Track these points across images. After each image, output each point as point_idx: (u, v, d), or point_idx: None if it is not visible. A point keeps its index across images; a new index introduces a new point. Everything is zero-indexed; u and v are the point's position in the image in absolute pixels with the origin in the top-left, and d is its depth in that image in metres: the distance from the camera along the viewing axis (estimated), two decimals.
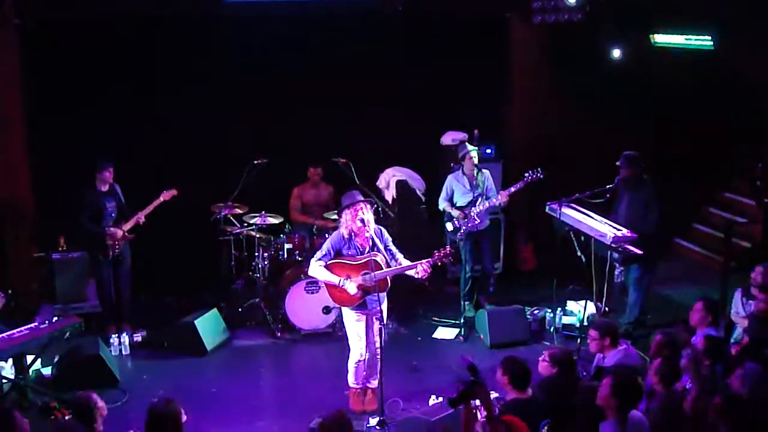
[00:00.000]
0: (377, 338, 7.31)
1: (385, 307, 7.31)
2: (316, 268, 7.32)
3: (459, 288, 9.70)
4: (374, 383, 7.60)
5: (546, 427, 5.61)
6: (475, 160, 9.44)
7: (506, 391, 6.09)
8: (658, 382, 6.00)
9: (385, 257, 7.23)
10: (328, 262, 7.31)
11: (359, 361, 7.53)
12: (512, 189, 9.13)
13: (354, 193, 7.45)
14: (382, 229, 7.44)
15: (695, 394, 5.91)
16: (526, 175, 8.97)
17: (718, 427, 5.12)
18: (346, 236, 7.30)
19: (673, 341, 6.72)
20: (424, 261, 7.06)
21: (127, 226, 9.11)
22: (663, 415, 5.83)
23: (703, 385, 5.99)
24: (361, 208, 7.20)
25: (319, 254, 7.38)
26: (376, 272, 7.10)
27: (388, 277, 7.20)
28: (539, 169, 8.93)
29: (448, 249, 7.12)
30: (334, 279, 7.25)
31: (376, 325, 7.29)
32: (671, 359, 6.24)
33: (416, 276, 7.15)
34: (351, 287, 7.18)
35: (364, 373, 7.60)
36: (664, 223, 8.83)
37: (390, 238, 7.43)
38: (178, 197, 9.28)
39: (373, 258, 7.12)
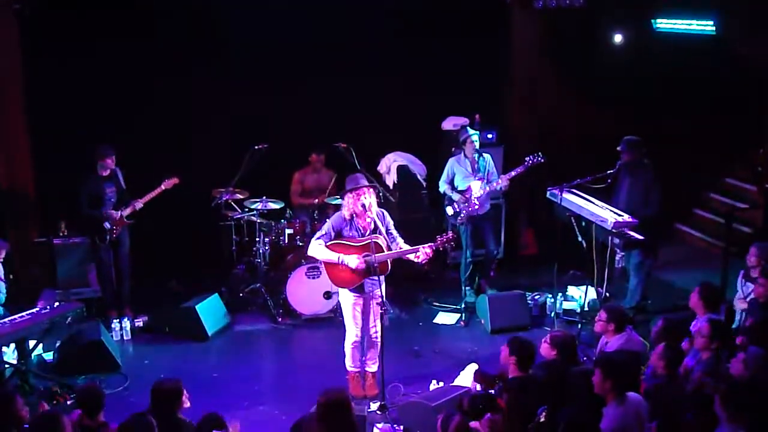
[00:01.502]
0: (377, 323, 7.33)
1: (383, 290, 7.32)
2: (316, 247, 7.32)
3: (459, 273, 9.71)
4: (374, 368, 7.64)
5: (544, 413, 5.64)
6: (476, 145, 9.45)
7: (510, 369, 6.15)
8: (662, 367, 6.02)
9: (386, 240, 7.23)
10: (328, 243, 7.32)
11: (354, 343, 7.58)
12: (513, 173, 9.14)
13: (358, 177, 7.45)
14: (385, 212, 7.44)
15: (700, 375, 5.94)
16: (527, 159, 8.99)
17: (723, 412, 5.13)
18: (347, 217, 7.30)
19: (675, 326, 6.74)
20: (425, 245, 7.07)
21: (126, 212, 9.11)
22: (665, 398, 5.85)
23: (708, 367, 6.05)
24: (364, 193, 7.19)
25: (319, 234, 7.39)
26: (377, 254, 7.11)
27: (388, 260, 7.20)
28: (540, 153, 8.93)
29: (450, 234, 7.14)
30: (333, 256, 7.24)
31: (375, 310, 7.31)
32: (674, 344, 6.26)
33: (416, 260, 7.16)
34: (352, 261, 7.17)
35: (364, 356, 7.64)
36: (663, 207, 8.83)
37: (392, 222, 7.43)
38: (179, 183, 9.27)
39: (374, 240, 7.13)
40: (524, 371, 6.09)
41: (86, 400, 5.76)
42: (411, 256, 7.16)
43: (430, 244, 7.06)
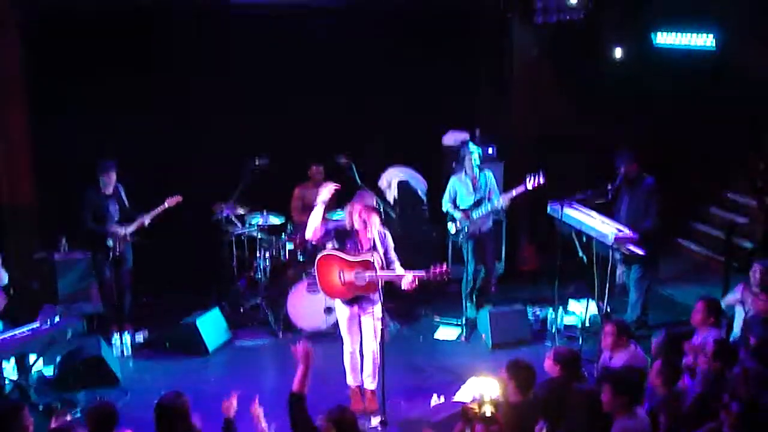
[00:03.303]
0: (375, 341, 7.34)
1: (379, 308, 7.34)
2: (316, 215, 7.31)
3: (461, 288, 9.70)
4: (372, 386, 7.63)
5: (544, 429, 5.62)
6: (477, 162, 9.42)
7: (510, 393, 6.10)
8: (660, 383, 6.00)
9: (381, 261, 7.23)
10: (330, 249, 7.34)
11: (351, 354, 7.62)
12: (513, 193, 9.09)
13: (365, 194, 7.51)
14: (387, 234, 7.44)
15: (699, 392, 5.92)
16: (527, 179, 8.91)
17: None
18: (348, 228, 7.34)
19: (674, 341, 6.72)
20: (416, 272, 7.07)
21: (130, 229, 9.12)
22: (666, 415, 5.84)
23: (709, 385, 6.01)
24: (360, 212, 7.22)
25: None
26: (367, 274, 7.13)
27: (378, 281, 7.19)
28: (541, 172, 8.90)
29: (444, 268, 7.08)
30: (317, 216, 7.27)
31: (370, 325, 7.35)
32: (672, 360, 6.25)
33: (404, 287, 7.16)
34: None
35: (363, 373, 7.64)
36: (662, 220, 8.84)
37: (392, 245, 7.42)
38: (182, 200, 9.27)
39: (368, 259, 7.16)
40: (524, 395, 6.03)
41: (99, 420, 5.63)
42: (401, 281, 7.16)
43: (420, 272, 7.07)
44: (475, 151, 9.45)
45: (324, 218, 7.38)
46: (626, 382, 5.65)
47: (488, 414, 5.32)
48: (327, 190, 7.32)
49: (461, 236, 9.41)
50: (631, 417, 5.55)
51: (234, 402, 5.86)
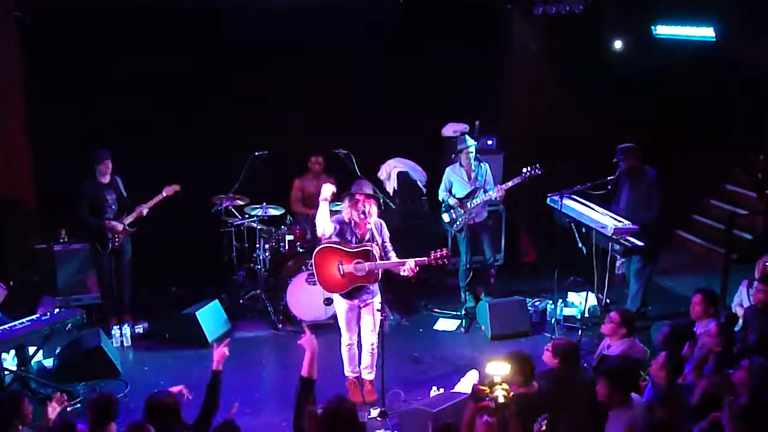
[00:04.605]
0: (374, 333, 7.37)
1: (378, 299, 7.37)
2: (323, 214, 7.26)
3: (459, 279, 9.71)
4: (370, 376, 7.66)
5: (545, 422, 5.62)
6: (473, 156, 9.40)
7: (513, 386, 6.09)
8: (663, 377, 5.99)
9: (380, 250, 7.25)
10: (327, 243, 7.32)
11: (348, 346, 7.64)
12: (509, 184, 9.09)
13: (363, 183, 7.48)
14: (383, 223, 7.45)
15: (705, 386, 5.92)
16: (525, 171, 8.93)
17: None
18: (346, 220, 7.33)
19: (681, 334, 6.73)
20: (416, 259, 7.08)
21: (128, 220, 9.11)
22: (667, 407, 5.83)
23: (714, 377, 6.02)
24: (361, 202, 7.21)
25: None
26: (367, 263, 7.15)
27: (378, 270, 7.21)
28: (538, 165, 8.88)
29: (444, 251, 7.13)
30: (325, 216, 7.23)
31: (369, 317, 7.39)
32: (676, 353, 6.25)
33: (403, 273, 7.17)
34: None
35: (360, 365, 7.66)
36: (663, 212, 8.83)
37: (389, 235, 7.44)
38: (180, 190, 9.26)
39: (368, 249, 7.17)
40: (527, 387, 6.03)
41: (100, 410, 5.64)
42: (401, 268, 7.18)
43: (422, 258, 7.09)
44: (471, 144, 9.43)
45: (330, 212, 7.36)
46: (623, 376, 5.64)
47: (501, 399, 5.21)
48: (328, 188, 7.28)
49: (455, 226, 9.42)
50: (625, 409, 5.54)
51: (225, 351, 6.07)
